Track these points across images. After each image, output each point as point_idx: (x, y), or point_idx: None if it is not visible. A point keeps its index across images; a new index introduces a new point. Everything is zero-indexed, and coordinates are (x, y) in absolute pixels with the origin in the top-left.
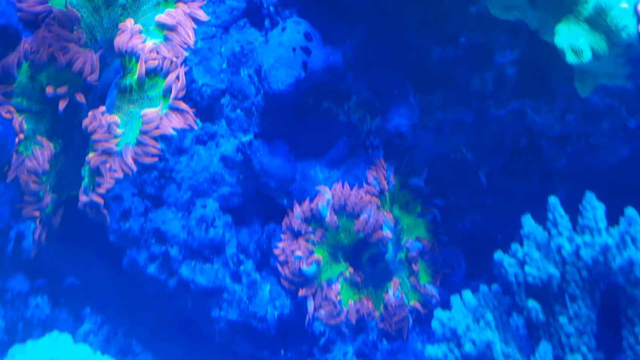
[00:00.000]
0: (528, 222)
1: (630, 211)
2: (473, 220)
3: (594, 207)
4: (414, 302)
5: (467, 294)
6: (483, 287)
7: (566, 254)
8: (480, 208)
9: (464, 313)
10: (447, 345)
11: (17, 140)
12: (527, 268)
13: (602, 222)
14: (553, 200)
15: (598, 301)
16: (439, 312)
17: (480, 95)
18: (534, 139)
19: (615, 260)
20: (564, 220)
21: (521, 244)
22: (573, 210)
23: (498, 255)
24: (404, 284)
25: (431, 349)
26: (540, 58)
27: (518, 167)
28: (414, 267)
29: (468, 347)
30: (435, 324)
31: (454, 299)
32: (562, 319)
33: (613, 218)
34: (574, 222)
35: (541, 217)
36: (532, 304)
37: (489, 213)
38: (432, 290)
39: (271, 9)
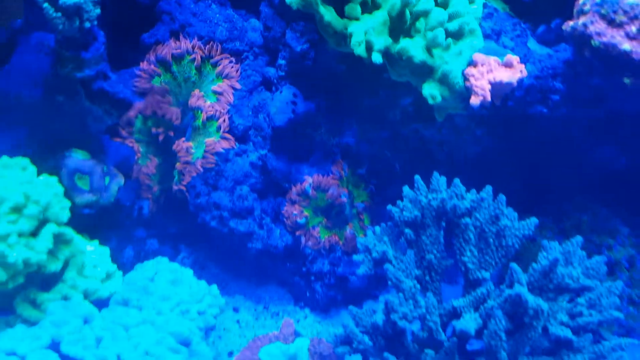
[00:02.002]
0: (406, 188)
1: (456, 180)
2: (392, 190)
3: (438, 179)
4: (361, 235)
5: (376, 228)
6: (382, 224)
7: (424, 203)
8: (396, 184)
9: (373, 237)
10: (364, 255)
11: (136, 157)
12: (404, 212)
13: (443, 187)
14: (417, 177)
15: (442, 227)
16: (359, 238)
17: (393, 122)
18: (425, 144)
19: (447, 205)
20: (423, 187)
21: (402, 200)
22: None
23: (389, 207)
24: (355, 226)
25: (356, 257)
26: (423, 100)
27: (416, 160)
28: (361, 217)
29: (374, 254)
30: (358, 243)
31: (368, 231)
32: (423, 237)
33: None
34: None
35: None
36: (407, 230)
37: (400, 185)
38: (371, 228)
39: (275, 81)
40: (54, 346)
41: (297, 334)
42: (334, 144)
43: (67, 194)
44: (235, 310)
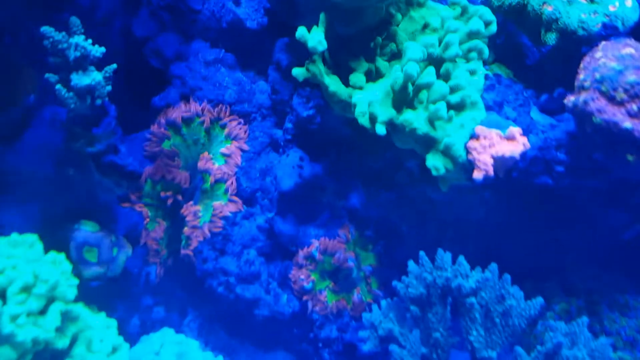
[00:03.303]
0: (411, 264)
1: (460, 258)
2: (400, 252)
3: (442, 256)
4: (368, 299)
5: (383, 302)
6: (388, 300)
7: (429, 281)
8: (403, 245)
9: (379, 313)
10: (370, 331)
11: (145, 222)
12: (410, 289)
13: (448, 264)
14: (422, 253)
15: (448, 304)
16: (365, 314)
17: (400, 184)
18: (434, 205)
19: (452, 284)
20: (428, 263)
21: (407, 275)
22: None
23: (395, 283)
24: (363, 290)
25: (362, 333)
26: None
27: (424, 221)
28: (368, 280)
29: (380, 331)
30: (364, 319)
31: (374, 307)
32: (429, 315)
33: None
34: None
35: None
36: (413, 307)
37: (409, 247)
38: (379, 292)
39: (282, 143)
40: None
41: None
42: (341, 206)
43: (76, 268)
44: None
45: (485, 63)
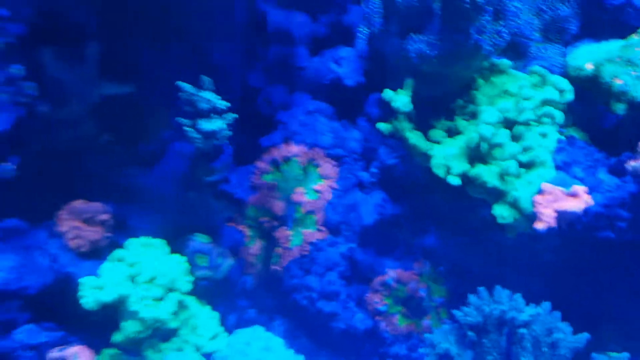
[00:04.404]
0: (471, 296)
1: (517, 295)
2: (470, 289)
3: (500, 292)
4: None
5: (444, 326)
6: (449, 324)
7: (486, 312)
8: (475, 283)
9: (439, 334)
10: (429, 349)
11: (245, 240)
12: (468, 317)
13: (505, 299)
14: (481, 288)
15: (504, 333)
16: (427, 334)
17: (473, 228)
18: (504, 249)
19: (507, 316)
20: (487, 296)
21: (467, 306)
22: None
23: (455, 311)
24: (433, 317)
25: (421, 350)
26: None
27: (493, 263)
28: (438, 310)
29: (438, 350)
30: (425, 339)
31: (435, 329)
32: (484, 340)
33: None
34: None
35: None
36: (470, 332)
37: (478, 285)
38: (447, 322)
39: (367, 184)
40: None
41: None
42: (416, 244)
43: (190, 269)
44: None
45: (562, 126)
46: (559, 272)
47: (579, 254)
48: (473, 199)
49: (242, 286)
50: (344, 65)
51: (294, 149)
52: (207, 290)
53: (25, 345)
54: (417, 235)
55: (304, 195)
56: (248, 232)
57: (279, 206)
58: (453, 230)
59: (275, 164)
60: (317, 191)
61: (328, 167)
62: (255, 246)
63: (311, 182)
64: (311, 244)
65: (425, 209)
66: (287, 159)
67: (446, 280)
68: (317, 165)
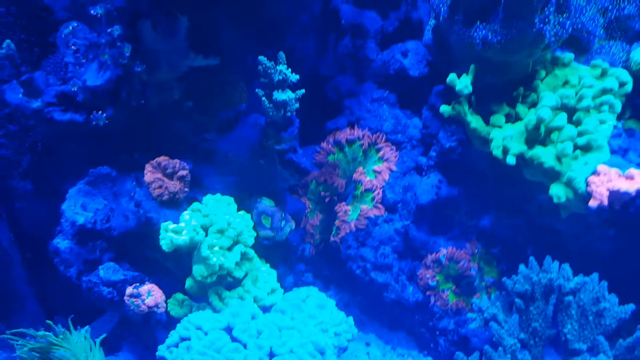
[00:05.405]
0: (521, 266)
1: (565, 265)
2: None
3: (550, 262)
4: None
5: (493, 294)
6: (497, 293)
7: (534, 280)
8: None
9: (487, 301)
10: (477, 314)
11: (306, 211)
12: (517, 285)
13: (554, 269)
14: (531, 258)
15: (550, 302)
16: (475, 300)
17: (529, 213)
18: (560, 235)
19: (554, 284)
20: (536, 266)
21: (516, 274)
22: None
23: (504, 279)
24: (483, 297)
25: (469, 314)
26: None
27: (548, 248)
28: (489, 290)
29: (485, 314)
30: (473, 304)
31: (483, 296)
32: (531, 308)
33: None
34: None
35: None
36: (517, 300)
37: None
38: None
39: (425, 168)
40: (228, 330)
41: None
42: (471, 225)
43: (254, 227)
44: (367, 344)
45: (621, 118)
46: (613, 262)
47: (635, 242)
48: (529, 184)
49: (302, 252)
50: (409, 56)
51: (358, 132)
52: (268, 250)
53: (107, 282)
54: (471, 217)
55: (364, 174)
56: (309, 204)
57: (340, 183)
58: (508, 214)
59: (339, 144)
60: (376, 172)
61: (388, 151)
62: (315, 218)
63: (371, 164)
64: (368, 218)
65: (480, 193)
66: (350, 142)
67: (498, 263)
68: (378, 149)
